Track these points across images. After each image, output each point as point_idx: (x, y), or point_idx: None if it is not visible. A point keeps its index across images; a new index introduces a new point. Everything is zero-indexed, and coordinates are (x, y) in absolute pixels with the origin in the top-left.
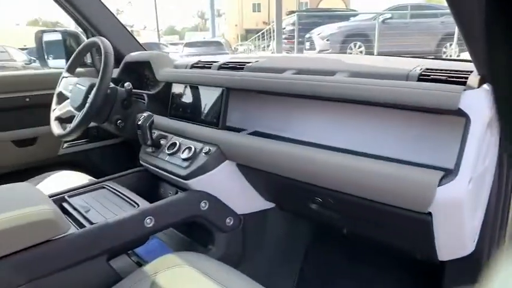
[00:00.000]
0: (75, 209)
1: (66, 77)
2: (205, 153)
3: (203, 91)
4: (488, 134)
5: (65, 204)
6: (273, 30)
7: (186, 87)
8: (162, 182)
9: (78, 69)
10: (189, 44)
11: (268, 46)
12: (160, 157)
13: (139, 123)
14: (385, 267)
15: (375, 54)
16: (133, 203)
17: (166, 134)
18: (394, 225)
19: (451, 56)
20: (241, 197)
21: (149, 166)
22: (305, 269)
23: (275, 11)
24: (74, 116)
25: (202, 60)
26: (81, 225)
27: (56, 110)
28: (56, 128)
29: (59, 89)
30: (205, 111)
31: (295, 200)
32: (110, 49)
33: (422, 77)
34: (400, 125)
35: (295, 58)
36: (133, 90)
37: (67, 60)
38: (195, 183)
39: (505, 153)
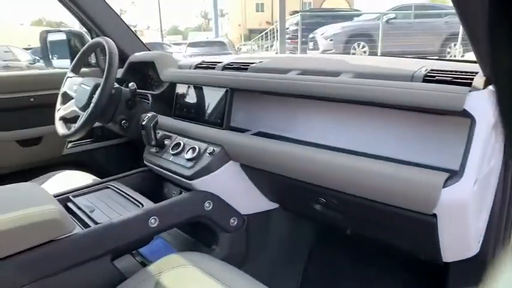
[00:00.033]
0: (79, 208)
1: (71, 77)
2: (210, 153)
3: (207, 91)
4: (493, 135)
5: (70, 204)
6: (277, 30)
7: (190, 87)
8: (166, 182)
9: (83, 69)
10: (193, 44)
11: (271, 46)
12: (164, 157)
13: (143, 123)
14: (388, 268)
15: (379, 54)
16: (137, 203)
17: (170, 134)
18: (398, 227)
19: (455, 56)
20: (245, 197)
21: (153, 166)
22: (309, 270)
23: (278, 11)
24: (79, 116)
25: (207, 61)
26: (86, 225)
27: (61, 110)
28: (60, 128)
29: (63, 89)
30: (210, 112)
31: (299, 201)
32: (115, 49)
33: (427, 78)
34: (405, 126)
35: (299, 59)
36: (138, 90)
37: (71, 60)
38: (199, 184)
39: (510, 148)
